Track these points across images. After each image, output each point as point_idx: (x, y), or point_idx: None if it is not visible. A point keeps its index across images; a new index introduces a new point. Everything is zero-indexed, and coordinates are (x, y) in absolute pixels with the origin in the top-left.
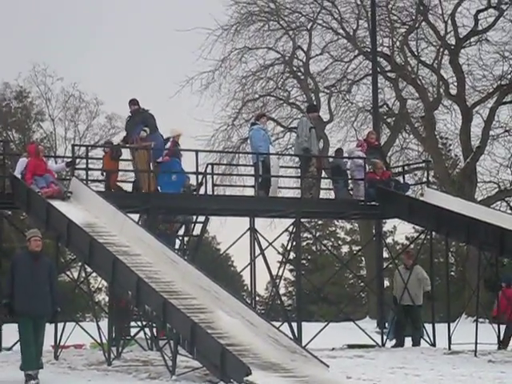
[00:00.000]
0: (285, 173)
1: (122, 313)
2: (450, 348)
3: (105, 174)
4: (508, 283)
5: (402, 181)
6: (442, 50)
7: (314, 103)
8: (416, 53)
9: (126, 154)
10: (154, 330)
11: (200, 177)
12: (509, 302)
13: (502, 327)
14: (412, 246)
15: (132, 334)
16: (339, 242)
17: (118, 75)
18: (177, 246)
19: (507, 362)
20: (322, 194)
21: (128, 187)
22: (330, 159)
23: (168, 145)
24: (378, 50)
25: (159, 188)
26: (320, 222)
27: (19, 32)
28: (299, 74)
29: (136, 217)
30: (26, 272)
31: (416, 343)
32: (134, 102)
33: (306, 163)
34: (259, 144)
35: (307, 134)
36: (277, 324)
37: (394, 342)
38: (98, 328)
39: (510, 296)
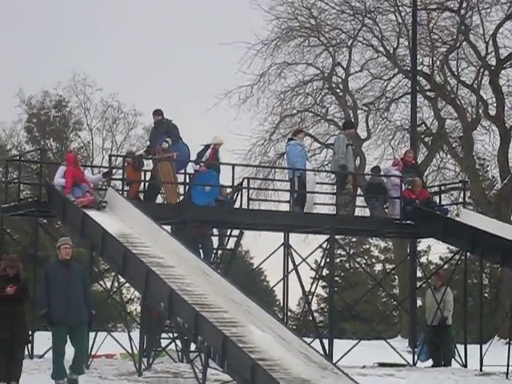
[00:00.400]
0: (320, 189)
1: (154, 324)
2: (481, 369)
3: (127, 184)
4: None
5: (438, 201)
6: (482, 70)
7: (352, 120)
8: (456, 72)
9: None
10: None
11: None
12: None
13: None
14: (446, 266)
15: (163, 346)
16: (373, 260)
17: (157, 87)
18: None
19: None
20: (357, 212)
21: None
22: (367, 177)
23: (208, 152)
24: (418, 68)
25: (192, 197)
26: (354, 240)
27: (59, 41)
28: (338, 90)
29: (170, 229)
30: (59, 281)
31: (447, 364)
32: (158, 113)
33: (342, 180)
34: (295, 160)
35: (344, 150)
36: (308, 340)
37: (429, 362)
38: (130, 338)
39: None
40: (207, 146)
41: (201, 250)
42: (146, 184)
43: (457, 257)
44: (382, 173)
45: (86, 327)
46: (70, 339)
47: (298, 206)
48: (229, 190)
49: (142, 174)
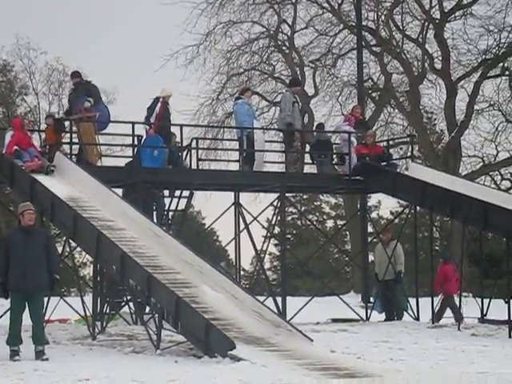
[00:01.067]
0: (269, 147)
1: (107, 287)
2: (433, 322)
3: (48, 147)
4: (445, 259)
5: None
6: (426, 24)
7: (298, 77)
8: (401, 27)
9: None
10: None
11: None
12: (445, 278)
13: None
14: (396, 220)
15: (117, 309)
16: (324, 217)
17: (101, 48)
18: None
19: (490, 336)
20: (306, 169)
21: None
22: (315, 134)
23: (158, 106)
24: (363, 24)
25: (141, 161)
26: (305, 197)
27: (1, 4)
28: (284, 48)
29: (120, 191)
30: (18, 247)
31: (399, 317)
32: (76, 75)
33: (289, 138)
34: (243, 119)
35: (290, 108)
36: (261, 298)
37: (382, 315)
38: (83, 302)
39: (446, 272)
40: (156, 100)
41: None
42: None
43: (407, 211)
44: (332, 129)
45: (45, 293)
46: (28, 307)
47: (247, 165)
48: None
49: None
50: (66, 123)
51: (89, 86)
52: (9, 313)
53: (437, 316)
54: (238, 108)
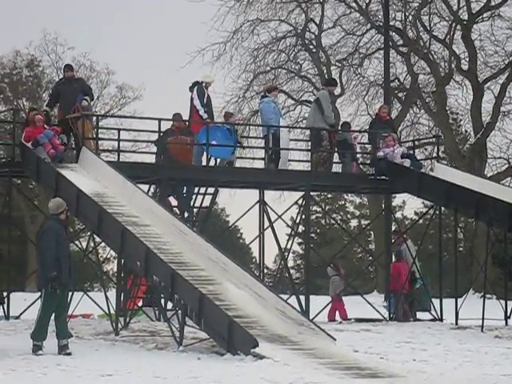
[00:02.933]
0: (295, 146)
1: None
2: (456, 323)
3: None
4: (398, 257)
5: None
6: (454, 25)
7: (332, 77)
8: (428, 27)
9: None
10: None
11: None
12: (399, 275)
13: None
14: (421, 221)
15: (140, 305)
16: (348, 216)
17: (129, 45)
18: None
19: None
20: (335, 169)
21: None
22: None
23: (195, 90)
24: (391, 24)
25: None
26: (329, 196)
27: (30, 0)
28: (311, 47)
29: (146, 187)
30: (65, 244)
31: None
32: (70, 68)
33: (318, 137)
34: (269, 117)
35: (331, 108)
36: (285, 297)
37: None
38: (106, 298)
39: (398, 269)
40: (195, 83)
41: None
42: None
43: (431, 211)
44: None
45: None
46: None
47: (272, 163)
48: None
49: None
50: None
51: (83, 83)
52: (39, 307)
53: (404, 316)
54: (264, 106)
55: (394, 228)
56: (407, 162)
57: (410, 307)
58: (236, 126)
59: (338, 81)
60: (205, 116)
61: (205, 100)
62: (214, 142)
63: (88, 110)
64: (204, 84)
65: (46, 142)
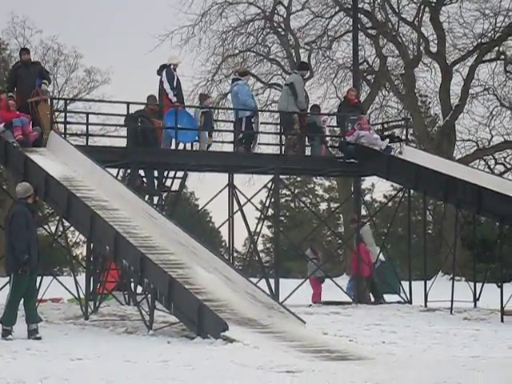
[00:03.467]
0: (264, 129)
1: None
2: (426, 305)
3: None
4: (357, 242)
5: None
6: (422, 7)
7: (304, 61)
8: (397, 10)
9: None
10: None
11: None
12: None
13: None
14: (390, 203)
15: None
16: (318, 199)
17: (97, 28)
18: None
19: (482, 320)
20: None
21: None
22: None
23: (164, 73)
24: (359, 6)
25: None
26: (298, 179)
27: None
28: (280, 29)
29: (115, 172)
30: (34, 228)
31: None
32: (28, 52)
33: (289, 121)
34: (246, 98)
35: (303, 93)
36: (254, 280)
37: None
38: (76, 282)
39: (361, 253)
40: (163, 66)
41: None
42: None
43: (400, 194)
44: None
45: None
46: None
47: (247, 145)
48: None
49: None
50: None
51: (41, 67)
52: (8, 291)
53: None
54: (240, 88)
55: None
56: (386, 143)
57: (370, 290)
58: (211, 109)
59: (308, 64)
60: (174, 99)
61: (174, 83)
62: (179, 126)
63: (46, 94)
64: (172, 66)
65: (18, 126)
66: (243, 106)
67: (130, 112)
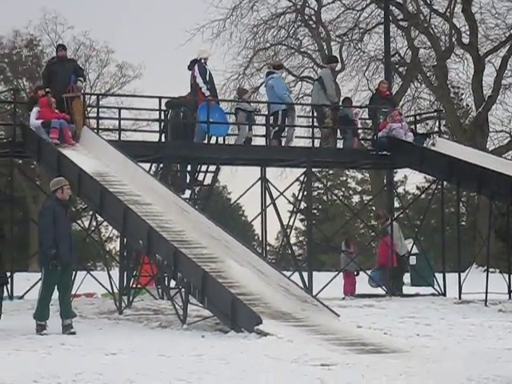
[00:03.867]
0: (296, 123)
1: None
2: (460, 298)
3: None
4: (383, 235)
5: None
6: None
7: (333, 55)
8: (428, 1)
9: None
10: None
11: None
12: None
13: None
14: (423, 195)
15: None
16: (350, 192)
17: (129, 23)
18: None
19: None
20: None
21: None
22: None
23: (196, 68)
24: None
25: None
26: (331, 172)
27: None
28: (311, 22)
29: (147, 166)
30: (64, 222)
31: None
32: (64, 48)
33: (321, 114)
34: (283, 92)
35: (333, 86)
36: (287, 273)
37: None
38: (109, 277)
39: (383, 245)
40: (194, 61)
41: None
42: None
43: (433, 186)
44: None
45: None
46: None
47: (278, 139)
48: None
49: None
50: None
51: (76, 64)
52: (39, 287)
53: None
54: (276, 81)
55: (379, 212)
56: (410, 137)
57: (393, 282)
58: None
59: (338, 57)
60: (207, 93)
61: (207, 77)
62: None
63: (81, 91)
64: (202, 60)
65: (56, 128)
66: (279, 99)
67: (161, 107)
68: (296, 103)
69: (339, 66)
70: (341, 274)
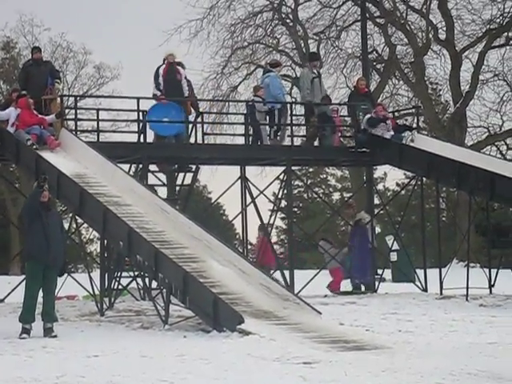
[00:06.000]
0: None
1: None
2: (441, 293)
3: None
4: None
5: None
6: None
7: (313, 52)
8: None
9: None
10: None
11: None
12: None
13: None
14: (403, 192)
15: (124, 285)
16: (330, 190)
17: (106, 24)
18: None
19: (498, 306)
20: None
21: None
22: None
23: (161, 68)
24: None
25: (151, 130)
26: (311, 170)
27: None
28: (288, 21)
29: (127, 167)
30: (42, 220)
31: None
32: (39, 50)
33: (308, 113)
34: (278, 92)
35: (309, 86)
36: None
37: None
38: (90, 279)
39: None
40: (161, 64)
41: None
42: None
43: (413, 182)
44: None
45: (59, 271)
46: (42, 282)
47: (275, 137)
48: None
49: None
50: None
51: (52, 66)
52: (22, 289)
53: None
54: (272, 81)
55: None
56: (388, 134)
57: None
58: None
59: (306, 53)
60: (158, 93)
61: (159, 79)
62: (165, 119)
63: (58, 93)
64: (166, 61)
65: (36, 134)
66: (274, 98)
67: (140, 107)
68: (271, 101)
69: (318, 63)
70: (323, 271)
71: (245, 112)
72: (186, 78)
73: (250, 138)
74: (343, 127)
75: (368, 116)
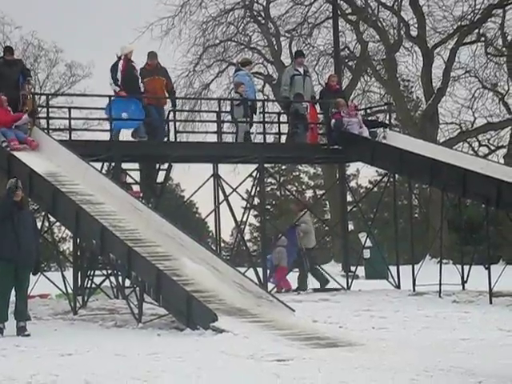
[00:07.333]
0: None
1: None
2: (414, 289)
3: None
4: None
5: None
6: None
7: (298, 50)
8: None
9: None
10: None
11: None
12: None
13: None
14: (375, 189)
15: (98, 283)
16: (303, 187)
17: (76, 22)
18: None
19: (471, 302)
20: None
21: None
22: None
23: (120, 63)
24: None
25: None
26: (283, 167)
27: None
28: (260, 18)
29: (99, 165)
30: (13, 220)
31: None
32: (13, 52)
33: (286, 109)
34: (246, 89)
35: (286, 82)
36: (242, 270)
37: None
38: (63, 277)
39: None
40: (118, 60)
41: None
42: None
43: (385, 179)
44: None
45: (31, 271)
46: (14, 281)
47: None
48: None
49: None
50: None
51: (23, 65)
52: None
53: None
54: (240, 79)
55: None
56: (366, 131)
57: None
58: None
59: (288, 53)
60: (117, 89)
61: (118, 74)
62: (124, 114)
63: (31, 90)
64: (122, 57)
65: (14, 138)
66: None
67: None
68: (247, 99)
69: (289, 61)
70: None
71: (217, 110)
72: (161, 65)
73: (222, 136)
74: (315, 124)
75: (333, 121)
